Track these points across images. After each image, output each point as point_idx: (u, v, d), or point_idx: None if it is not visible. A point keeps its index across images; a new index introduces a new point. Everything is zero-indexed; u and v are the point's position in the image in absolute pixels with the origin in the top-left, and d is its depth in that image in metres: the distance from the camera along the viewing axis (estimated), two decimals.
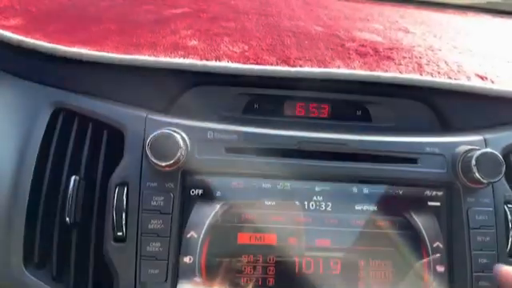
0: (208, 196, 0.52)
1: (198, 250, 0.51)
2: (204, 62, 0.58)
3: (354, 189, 0.53)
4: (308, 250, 0.52)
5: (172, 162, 0.49)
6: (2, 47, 0.57)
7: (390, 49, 0.68)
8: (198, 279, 0.50)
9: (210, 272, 0.50)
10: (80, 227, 0.51)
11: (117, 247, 0.49)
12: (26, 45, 0.57)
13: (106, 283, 0.50)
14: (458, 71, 0.63)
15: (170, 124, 0.52)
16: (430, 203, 0.53)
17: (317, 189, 0.53)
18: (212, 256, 0.51)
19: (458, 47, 0.73)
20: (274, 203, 0.52)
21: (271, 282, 0.51)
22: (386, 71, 0.61)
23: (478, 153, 0.50)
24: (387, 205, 0.53)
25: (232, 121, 0.56)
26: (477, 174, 0.50)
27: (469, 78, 0.61)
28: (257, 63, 0.60)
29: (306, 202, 0.53)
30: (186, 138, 0.51)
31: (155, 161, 0.48)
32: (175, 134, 0.49)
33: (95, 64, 0.57)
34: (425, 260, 0.52)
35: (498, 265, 0.49)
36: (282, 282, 0.51)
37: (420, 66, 0.63)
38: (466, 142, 0.54)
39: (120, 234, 0.48)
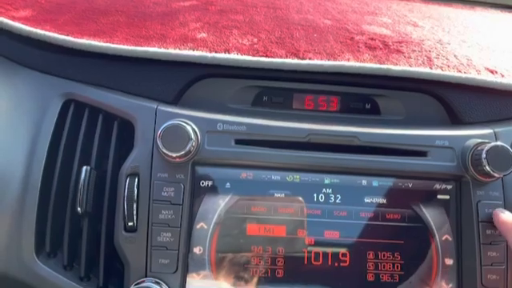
0: (217, 187, 0.52)
1: (207, 241, 0.51)
2: (213, 54, 0.58)
3: (364, 181, 0.53)
4: (317, 241, 0.52)
5: (183, 153, 0.49)
6: (13, 38, 0.57)
7: (400, 42, 0.67)
8: (207, 269, 0.50)
9: (219, 262, 0.51)
10: (91, 217, 0.51)
11: (128, 237, 0.49)
12: (36, 36, 0.58)
13: (116, 272, 0.50)
14: (468, 65, 0.63)
15: (180, 115, 0.52)
16: (439, 196, 0.53)
17: (326, 181, 0.53)
18: (221, 247, 0.51)
19: (467, 41, 0.73)
20: (283, 195, 0.53)
21: (280, 273, 0.51)
22: (396, 64, 0.60)
23: (489, 146, 0.50)
24: (396, 197, 0.53)
25: (241, 113, 0.56)
26: (487, 168, 0.50)
27: (479, 72, 0.61)
28: (266, 56, 0.60)
29: (315, 195, 0.53)
30: (197, 130, 0.51)
31: (166, 152, 0.49)
32: (186, 126, 0.49)
33: (105, 55, 0.57)
34: (433, 253, 0.52)
35: (497, 211, 0.50)
36: (290, 273, 0.51)
37: (430, 59, 0.63)
38: (476, 135, 0.54)
39: (131, 224, 0.49)
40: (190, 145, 0.49)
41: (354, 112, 0.61)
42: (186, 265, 0.50)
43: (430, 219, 0.52)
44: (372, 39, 0.68)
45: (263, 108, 0.60)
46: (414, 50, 0.65)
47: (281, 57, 0.60)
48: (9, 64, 0.57)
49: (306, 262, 0.51)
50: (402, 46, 0.66)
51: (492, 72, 0.62)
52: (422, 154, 0.53)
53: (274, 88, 0.60)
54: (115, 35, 0.61)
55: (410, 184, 0.53)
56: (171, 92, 0.57)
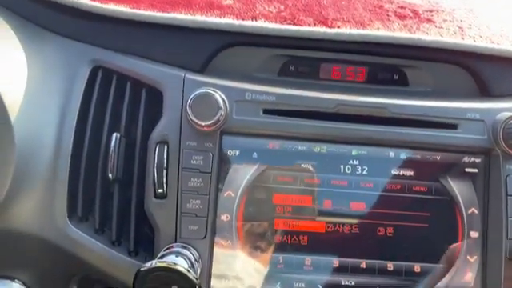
0: (245, 156, 0.52)
1: (234, 209, 0.52)
2: (241, 22, 0.57)
3: (391, 153, 0.53)
4: (342, 212, 0.52)
5: (212, 121, 0.49)
6: (40, 4, 0.57)
7: (430, 11, 0.65)
8: (233, 236, 0.51)
9: (245, 230, 0.52)
10: (121, 183, 0.52)
11: (158, 203, 0.50)
12: (63, 1, 0.57)
13: (146, 237, 0.52)
14: (501, 35, 0.61)
15: (208, 84, 0.52)
16: (467, 169, 0.53)
17: (353, 152, 0.53)
18: (248, 215, 0.52)
19: (500, 10, 0.70)
20: (309, 166, 0.53)
21: (304, 241, 0.52)
22: (427, 34, 0.59)
23: None
24: (423, 170, 0.53)
25: (267, 82, 0.55)
26: None
27: None
28: (294, 24, 0.59)
29: (342, 166, 0.53)
30: (225, 99, 0.51)
31: (195, 120, 0.49)
32: (215, 94, 0.49)
33: (132, 22, 0.56)
34: (459, 225, 0.52)
35: None
36: (315, 242, 0.52)
37: (461, 29, 0.61)
38: (507, 108, 0.53)
39: (161, 190, 0.50)
40: (219, 114, 0.49)
41: (381, 83, 0.60)
42: (213, 231, 0.51)
43: (456, 192, 0.52)
44: (402, 7, 0.66)
45: (289, 77, 0.59)
46: (446, 20, 0.64)
47: (308, 25, 0.59)
48: (36, 30, 0.57)
49: (330, 232, 0.52)
50: (432, 15, 0.64)
51: None
52: (453, 126, 0.53)
53: (300, 57, 0.59)
54: (141, 1, 0.60)
55: (437, 157, 0.53)
56: (198, 60, 0.56)
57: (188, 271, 0.44)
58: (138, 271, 0.43)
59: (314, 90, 0.54)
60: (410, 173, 0.53)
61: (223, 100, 0.50)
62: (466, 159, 0.53)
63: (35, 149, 0.50)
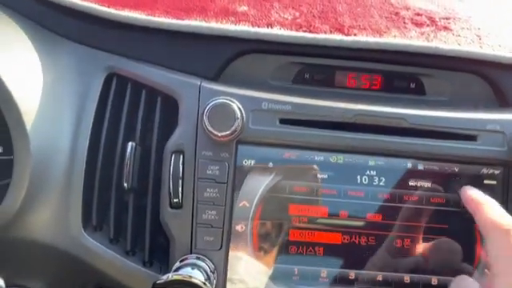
0: (260, 166, 0.52)
1: (249, 219, 0.51)
2: (256, 30, 0.56)
3: (409, 164, 0.52)
4: (359, 224, 0.52)
5: (229, 132, 0.48)
6: (54, 9, 0.57)
7: (447, 18, 0.64)
8: (248, 247, 0.51)
9: (260, 240, 0.51)
10: (136, 192, 0.51)
11: (173, 213, 0.49)
12: (78, 7, 0.57)
13: (161, 247, 0.51)
14: None
15: (224, 93, 0.52)
16: (485, 181, 0.52)
17: (370, 163, 0.52)
18: (263, 225, 0.51)
19: None
20: (326, 176, 0.52)
21: (320, 253, 0.51)
22: (445, 43, 0.58)
23: None
24: (442, 182, 0.52)
25: (282, 91, 0.55)
26: None
27: None
28: (309, 31, 0.58)
29: (358, 176, 0.52)
30: (241, 108, 0.50)
31: (212, 130, 0.48)
32: (232, 104, 0.49)
33: (147, 29, 0.56)
34: (477, 238, 0.51)
35: (465, 188, 0.50)
36: (331, 254, 0.51)
37: (480, 37, 0.61)
38: None
39: (176, 200, 0.49)
40: (236, 124, 0.48)
41: (397, 91, 0.59)
42: (228, 242, 0.50)
43: None
44: (418, 14, 0.65)
45: (304, 85, 0.59)
46: (463, 28, 0.63)
47: (324, 32, 0.58)
48: (51, 36, 0.56)
49: (346, 244, 0.51)
50: (449, 23, 0.64)
51: None
52: (472, 137, 0.52)
53: (315, 65, 0.59)
54: (155, 7, 0.60)
55: (456, 168, 0.52)
56: (212, 68, 0.56)
57: (204, 284, 0.43)
58: (155, 284, 0.42)
59: (330, 99, 0.53)
60: (427, 184, 0.52)
61: (240, 109, 0.49)
62: (484, 171, 0.52)
63: (50, 157, 0.50)
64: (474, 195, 0.48)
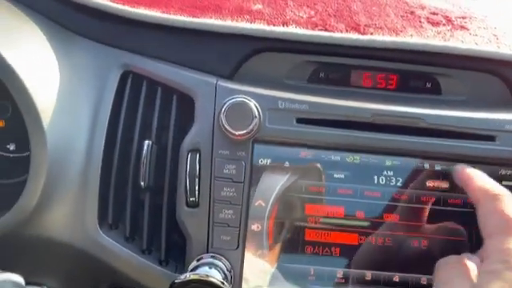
0: (276, 165, 0.51)
1: (265, 219, 0.51)
2: (272, 28, 0.56)
3: (426, 164, 0.52)
4: (375, 224, 0.51)
5: (246, 131, 0.48)
6: (69, 7, 0.56)
7: (463, 17, 0.64)
8: (264, 246, 0.51)
9: (276, 240, 0.51)
10: (152, 190, 0.51)
11: (190, 212, 0.49)
12: (92, 4, 0.56)
13: (176, 245, 0.51)
14: None
15: (241, 92, 0.51)
16: (504, 182, 0.51)
17: (387, 163, 0.52)
18: (279, 225, 0.51)
19: None
20: (342, 176, 0.52)
21: (336, 253, 0.51)
22: (462, 42, 0.58)
23: None
24: None
25: (298, 90, 0.54)
26: None
27: None
28: (325, 30, 0.58)
29: (375, 176, 0.52)
30: (258, 107, 0.50)
31: (229, 129, 0.48)
32: (249, 103, 0.49)
33: (162, 27, 0.56)
34: None
35: (456, 166, 0.50)
36: (347, 254, 0.51)
37: (496, 37, 0.60)
38: None
39: (193, 199, 0.49)
40: (253, 123, 0.48)
41: (413, 91, 0.58)
42: (245, 241, 0.50)
43: None
44: (434, 14, 0.65)
45: (320, 84, 0.58)
46: (480, 27, 0.62)
47: (340, 31, 0.58)
48: (67, 33, 0.56)
49: (363, 244, 0.51)
50: (466, 22, 0.63)
51: None
52: (490, 138, 0.51)
53: (331, 64, 0.58)
54: (170, 5, 0.59)
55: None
56: (228, 66, 0.56)
57: (222, 283, 0.43)
58: (173, 283, 0.42)
59: (347, 99, 0.53)
60: (445, 185, 0.52)
61: (257, 108, 0.49)
62: (502, 172, 0.52)
63: (66, 155, 0.50)
64: (465, 170, 0.49)
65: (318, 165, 0.52)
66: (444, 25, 0.62)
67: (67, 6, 0.56)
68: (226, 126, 0.48)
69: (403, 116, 0.51)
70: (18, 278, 0.39)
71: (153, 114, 0.53)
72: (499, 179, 0.52)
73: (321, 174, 0.52)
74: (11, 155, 0.58)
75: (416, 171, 0.52)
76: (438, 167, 0.52)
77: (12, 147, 0.59)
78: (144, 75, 0.54)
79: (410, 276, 0.50)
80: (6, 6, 0.54)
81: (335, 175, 0.52)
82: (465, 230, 0.51)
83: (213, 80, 0.52)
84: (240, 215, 0.49)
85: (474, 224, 0.50)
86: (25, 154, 0.58)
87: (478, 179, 0.46)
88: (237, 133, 0.48)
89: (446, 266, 0.45)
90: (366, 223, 0.51)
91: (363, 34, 0.58)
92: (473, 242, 0.51)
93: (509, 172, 0.52)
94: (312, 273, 0.51)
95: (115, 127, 0.52)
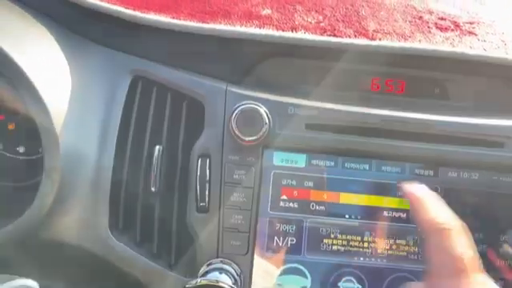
0: (285, 171, 0.52)
1: (274, 223, 0.51)
2: (281, 33, 0.56)
3: (431, 172, 0.52)
4: (382, 229, 0.52)
5: (257, 137, 0.49)
6: (81, 13, 0.57)
7: (471, 23, 0.64)
8: (273, 251, 0.51)
9: (284, 244, 0.51)
10: (163, 196, 0.52)
11: (200, 217, 0.50)
12: (103, 10, 0.57)
13: (186, 250, 0.52)
14: None
15: (250, 97, 0.52)
16: None
17: (396, 169, 0.52)
18: (287, 229, 0.51)
19: None
20: (350, 181, 0.52)
21: (344, 256, 0.52)
22: (471, 48, 0.58)
23: None
24: (468, 188, 0.52)
25: (305, 94, 0.55)
26: None
27: None
28: (334, 35, 0.58)
29: (384, 182, 0.52)
30: (268, 113, 0.50)
31: (240, 135, 0.49)
32: (260, 109, 0.49)
33: (172, 32, 0.56)
34: (501, 243, 0.51)
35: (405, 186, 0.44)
36: (354, 257, 0.51)
37: (505, 43, 0.60)
38: None
39: (203, 204, 0.49)
40: (264, 129, 0.49)
41: (421, 96, 0.59)
42: (254, 246, 0.51)
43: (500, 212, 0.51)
44: (442, 19, 0.65)
45: (327, 89, 0.58)
46: (488, 33, 0.62)
47: (349, 36, 0.58)
48: (77, 38, 0.56)
49: (372, 248, 0.51)
50: (474, 28, 0.63)
51: None
52: (498, 144, 0.52)
53: (340, 69, 0.58)
54: (180, 10, 0.60)
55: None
56: (237, 71, 0.56)
57: None
58: None
59: (355, 104, 0.53)
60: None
61: (267, 114, 0.50)
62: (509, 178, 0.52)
63: (78, 159, 0.50)
64: (414, 196, 0.43)
65: (326, 170, 0.52)
66: (452, 30, 0.62)
67: (78, 11, 0.56)
68: (236, 131, 0.49)
69: (411, 122, 0.52)
70: (33, 284, 0.39)
71: (163, 120, 0.53)
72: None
73: (328, 179, 0.52)
74: (20, 157, 0.59)
75: (426, 179, 0.52)
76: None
77: (21, 150, 0.59)
78: (154, 81, 0.54)
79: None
80: (18, 11, 0.54)
81: (343, 180, 0.52)
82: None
83: (222, 85, 0.53)
84: (250, 220, 0.50)
85: (478, 229, 0.51)
86: (34, 157, 0.59)
87: (428, 207, 0.41)
88: (247, 138, 0.49)
89: None
90: (373, 228, 0.51)
91: (372, 39, 0.58)
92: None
93: None
94: (319, 275, 0.51)
95: (126, 132, 0.53)
